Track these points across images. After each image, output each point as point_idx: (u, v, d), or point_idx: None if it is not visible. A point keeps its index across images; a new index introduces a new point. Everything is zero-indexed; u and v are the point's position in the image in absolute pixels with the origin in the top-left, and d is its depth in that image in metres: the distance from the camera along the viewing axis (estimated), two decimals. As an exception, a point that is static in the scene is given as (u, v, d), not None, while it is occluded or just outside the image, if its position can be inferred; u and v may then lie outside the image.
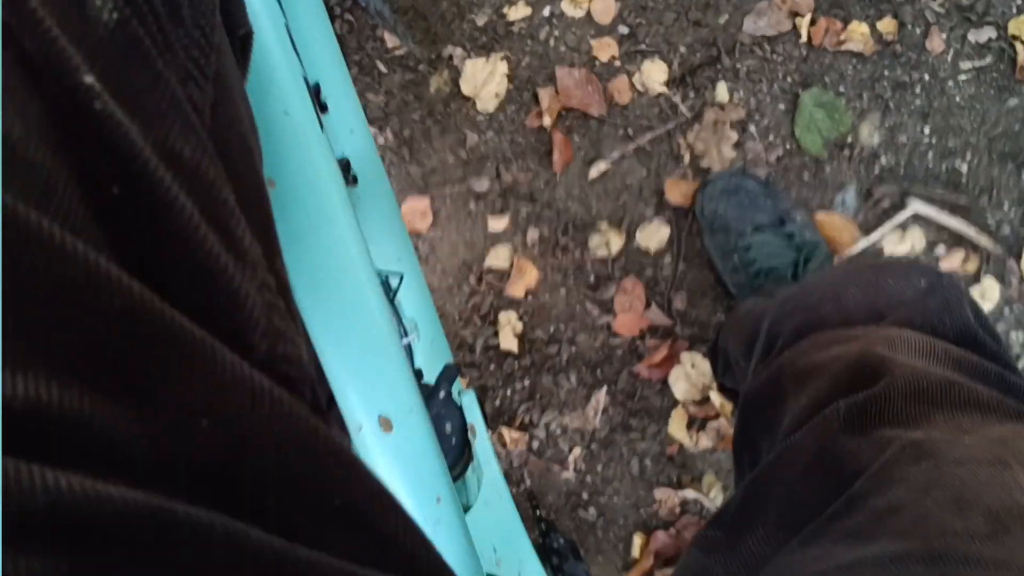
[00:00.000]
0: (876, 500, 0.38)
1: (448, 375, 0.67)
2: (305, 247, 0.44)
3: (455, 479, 0.72)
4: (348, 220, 0.46)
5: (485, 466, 0.74)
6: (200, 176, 0.21)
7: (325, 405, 0.41)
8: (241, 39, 0.31)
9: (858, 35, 1.08)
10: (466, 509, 0.74)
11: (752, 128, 1.10)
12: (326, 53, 0.60)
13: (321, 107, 0.63)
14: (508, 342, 1.09)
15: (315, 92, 0.61)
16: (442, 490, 0.48)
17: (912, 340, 0.47)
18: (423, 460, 0.47)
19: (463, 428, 0.69)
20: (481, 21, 1.16)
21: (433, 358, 0.78)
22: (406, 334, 0.72)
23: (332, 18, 1.18)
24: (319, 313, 0.44)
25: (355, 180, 0.66)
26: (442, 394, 0.67)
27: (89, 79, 0.18)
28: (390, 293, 0.68)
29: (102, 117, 0.18)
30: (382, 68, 1.16)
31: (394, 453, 0.46)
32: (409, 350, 0.73)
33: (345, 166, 0.65)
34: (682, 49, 1.12)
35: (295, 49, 0.46)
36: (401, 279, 0.70)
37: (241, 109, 0.28)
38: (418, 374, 0.70)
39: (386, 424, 0.47)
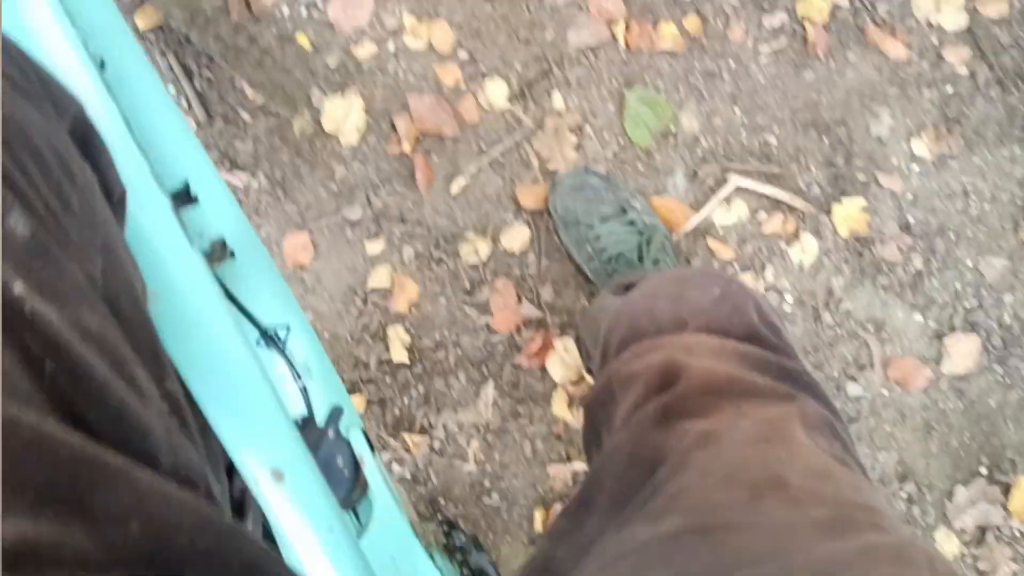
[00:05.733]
0: (670, 485, 0.50)
1: (335, 416, 0.77)
2: (190, 340, 0.53)
3: (356, 502, 0.82)
4: (222, 312, 0.55)
5: (377, 491, 0.84)
6: (105, 342, 0.30)
7: (222, 484, 0.50)
8: (118, 199, 0.40)
9: (668, 34, 1.21)
10: (366, 526, 0.84)
11: (588, 129, 1.22)
12: (189, 152, 0.69)
13: (191, 199, 0.71)
14: (399, 354, 1.19)
15: (184, 190, 0.69)
16: (333, 521, 0.58)
17: (706, 344, 0.60)
18: (314, 498, 0.57)
19: (353, 461, 0.78)
20: (332, 62, 1.24)
21: (327, 393, 0.88)
22: (299, 377, 0.82)
23: (190, 75, 1.25)
24: (209, 392, 0.53)
25: (232, 254, 0.75)
26: (331, 434, 0.77)
27: (19, 289, 0.27)
28: (280, 343, 0.77)
29: (32, 316, 0.27)
30: (246, 117, 1.23)
31: (288, 497, 0.55)
32: (304, 392, 0.83)
33: (221, 244, 0.74)
34: (517, 66, 1.24)
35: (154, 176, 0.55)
36: (288, 330, 0.79)
37: (125, 260, 0.37)
38: (307, 421, 0.80)
39: (278, 475, 0.56)
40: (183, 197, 0.69)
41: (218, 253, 0.72)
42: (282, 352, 0.77)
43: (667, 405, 0.56)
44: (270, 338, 0.77)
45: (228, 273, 0.73)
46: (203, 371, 0.53)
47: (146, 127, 0.64)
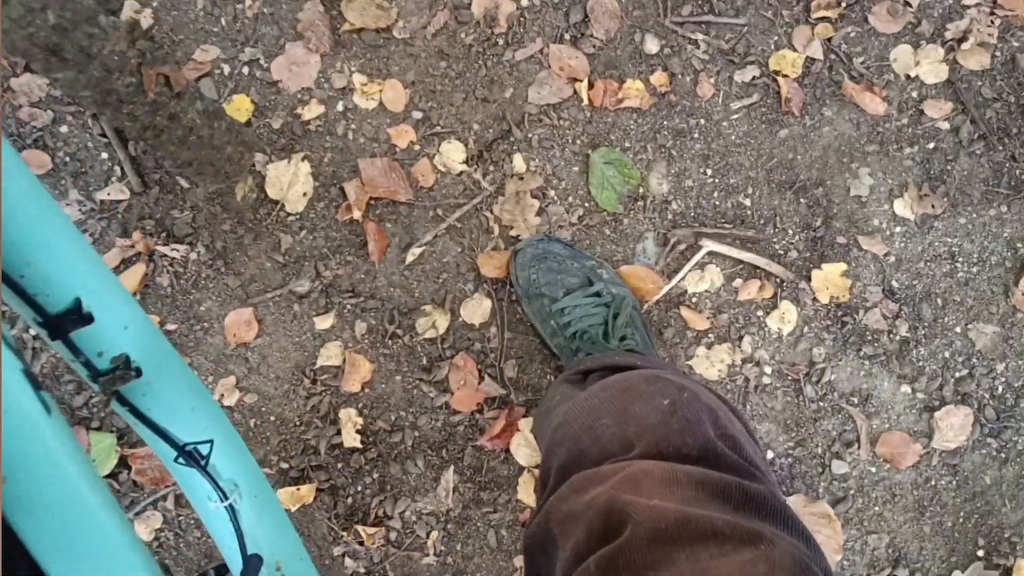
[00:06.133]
0: None
1: (253, 566, 0.69)
2: (52, 528, 0.45)
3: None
4: (92, 487, 0.47)
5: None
6: None
7: None
8: None
9: (634, 91, 1.14)
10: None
11: (552, 193, 1.14)
12: (81, 266, 0.60)
13: (85, 319, 0.63)
14: (351, 439, 1.10)
15: (75, 309, 0.61)
16: None
17: (654, 474, 0.52)
18: None
19: None
20: (277, 124, 1.16)
21: (260, 509, 0.79)
22: (225, 496, 0.73)
23: (124, 140, 1.16)
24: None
25: (139, 372, 0.67)
26: None
27: None
28: (201, 460, 0.69)
29: None
30: (183, 183, 1.15)
31: None
32: (231, 511, 0.74)
33: (125, 362, 0.66)
34: (475, 126, 1.16)
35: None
36: (212, 444, 0.70)
37: None
38: (221, 571, 0.71)
39: None
40: (74, 317, 0.61)
41: (122, 372, 0.63)
42: (203, 470, 0.69)
43: (611, 560, 0.48)
44: (190, 455, 0.68)
45: (137, 391, 0.65)
46: (69, 563, 0.45)
47: (23, 246, 0.55)
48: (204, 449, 0.69)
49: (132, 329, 0.65)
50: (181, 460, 0.67)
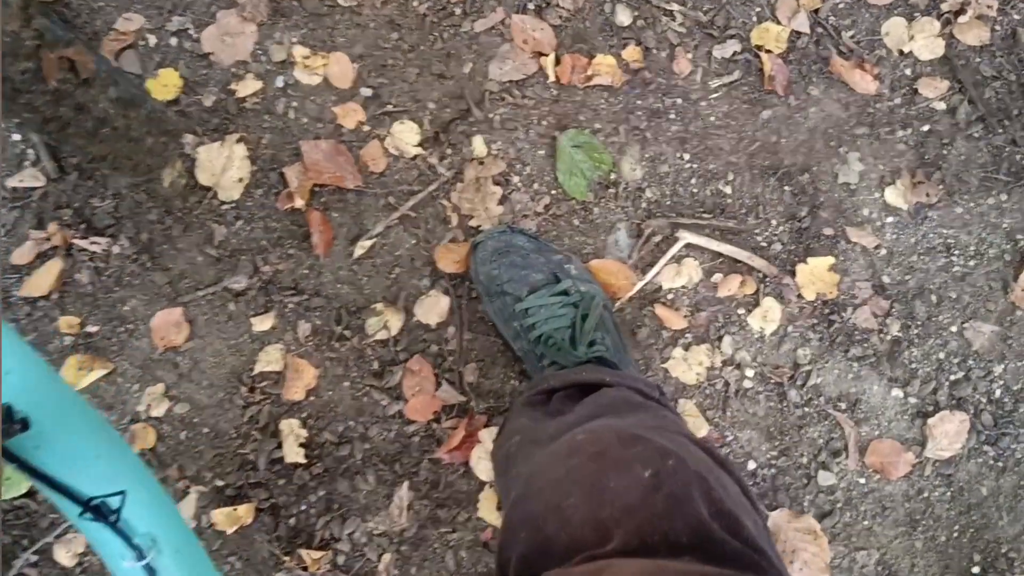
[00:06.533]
0: None
1: None
2: None
3: None
4: None
5: None
6: None
7: None
8: None
9: (605, 67, 1.04)
10: None
11: (516, 179, 1.04)
12: None
13: None
14: (294, 453, 1.00)
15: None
16: None
17: None
18: None
19: None
20: (208, 101, 1.04)
21: (183, 566, 0.69)
22: (142, 556, 0.63)
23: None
24: None
25: (25, 424, 0.57)
26: None
27: None
28: (110, 515, 0.59)
29: None
30: (106, 170, 1.03)
31: None
32: (149, 570, 0.64)
33: (6, 413, 0.56)
34: (431, 105, 1.05)
35: None
36: (124, 496, 0.60)
37: None
38: None
39: None
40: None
41: (4, 427, 0.53)
42: (113, 527, 0.58)
43: None
44: (97, 510, 0.58)
45: (27, 445, 0.55)
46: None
47: None
48: (114, 502, 0.59)
49: (15, 374, 0.55)
50: (88, 516, 0.57)
